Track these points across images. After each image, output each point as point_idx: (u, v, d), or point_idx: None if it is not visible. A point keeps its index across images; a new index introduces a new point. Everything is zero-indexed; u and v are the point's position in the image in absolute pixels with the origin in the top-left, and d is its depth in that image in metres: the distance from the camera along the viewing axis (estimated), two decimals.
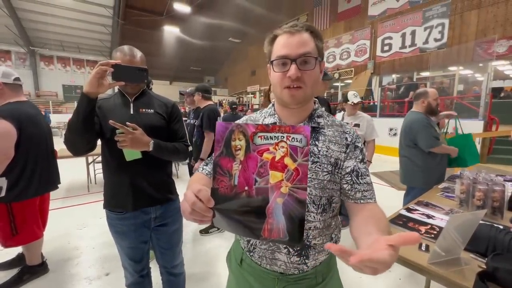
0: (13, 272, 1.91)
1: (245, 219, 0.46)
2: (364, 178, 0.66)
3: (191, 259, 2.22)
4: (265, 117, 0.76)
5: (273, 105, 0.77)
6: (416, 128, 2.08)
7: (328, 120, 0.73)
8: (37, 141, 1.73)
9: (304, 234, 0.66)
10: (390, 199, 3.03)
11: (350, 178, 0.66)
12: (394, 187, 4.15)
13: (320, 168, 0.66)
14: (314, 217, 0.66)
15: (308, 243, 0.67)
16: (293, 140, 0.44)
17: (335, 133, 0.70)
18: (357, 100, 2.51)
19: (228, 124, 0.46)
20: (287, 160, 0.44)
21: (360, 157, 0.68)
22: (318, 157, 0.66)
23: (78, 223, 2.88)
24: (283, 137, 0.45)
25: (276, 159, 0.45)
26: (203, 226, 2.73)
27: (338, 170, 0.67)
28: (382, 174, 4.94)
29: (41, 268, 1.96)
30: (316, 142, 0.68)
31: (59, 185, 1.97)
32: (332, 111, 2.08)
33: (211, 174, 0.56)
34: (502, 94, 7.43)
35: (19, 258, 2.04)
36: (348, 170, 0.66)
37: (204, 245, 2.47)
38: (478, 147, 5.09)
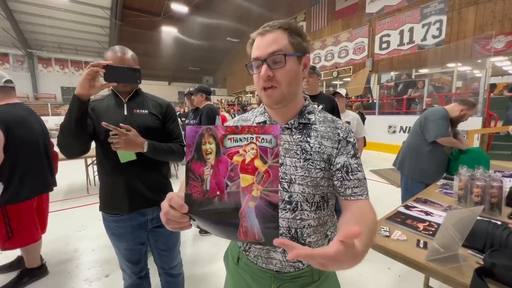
0: (12, 275, 1.91)
1: (221, 222, 0.45)
2: (355, 174, 0.65)
3: (191, 259, 2.22)
4: (256, 116, 0.77)
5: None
6: (433, 116, 2.04)
7: (319, 116, 0.72)
8: (27, 144, 1.70)
9: (299, 232, 0.65)
10: (389, 196, 3.03)
11: (340, 174, 0.65)
12: (393, 185, 4.15)
13: (312, 166, 0.65)
14: (308, 215, 0.65)
15: (302, 241, 0.66)
16: (263, 141, 0.43)
17: (327, 128, 0.69)
18: (344, 92, 2.69)
19: (197, 128, 0.45)
20: (257, 162, 0.43)
21: (352, 152, 0.67)
22: (311, 154, 0.65)
23: (77, 225, 2.88)
24: (253, 138, 0.43)
25: (246, 161, 0.43)
26: None
27: (331, 166, 0.66)
28: (381, 171, 4.94)
29: (41, 271, 1.96)
30: (308, 139, 0.66)
31: (54, 188, 1.94)
32: (336, 111, 2.05)
33: None
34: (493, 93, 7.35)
35: (18, 261, 2.04)
36: (338, 166, 0.65)
37: (204, 245, 2.47)
38: (477, 143, 5.09)
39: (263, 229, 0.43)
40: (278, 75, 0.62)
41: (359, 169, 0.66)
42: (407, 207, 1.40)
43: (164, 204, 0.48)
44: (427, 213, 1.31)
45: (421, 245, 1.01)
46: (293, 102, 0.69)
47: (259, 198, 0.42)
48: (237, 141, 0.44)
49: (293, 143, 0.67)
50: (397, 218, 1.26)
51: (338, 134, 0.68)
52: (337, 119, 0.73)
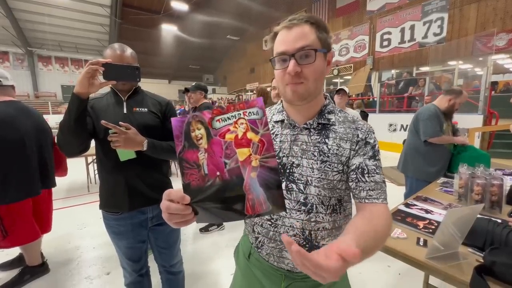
0: (14, 272, 1.92)
1: (226, 203, 0.46)
2: (372, 176, 0.61)
3: (191, 257, 2.23)
4: (274, 114, 0.75)
5: (282, 101, 0.75)
6: (422, 116, 2.06)
7: (339, 116, 0.69)
8: (10, 144, 1.62)
9: (313, 234, 0.64)
10: (389, 195, 3.03)
11: (355, 175, 0.62)
12: (394, 183, 4.14)
13: (329, 168, 0.63)
14: (323, 218, 0.64)
15: (316, 243, 0.65)
16: (250, 114, 0.45)
17: (346, 130, 0.66)
18: (347, 90, 2.69)
19: (183, 118, 0.46)
20: (250, 134, 0.44)
21: (370, 153, 0.64)
22: (328, 156, 0.63)
23: (79, 223, 2.89)
24: (240, 114, 0.45)
25: (239, 136, 0.45)
26: (203, 225, 2.73)
27: (348, 168, 0.64)
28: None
29: (42, 269, 1.97)
30: (326, 140, 0.64)
31: (41, 190, 1.81)
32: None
33: None
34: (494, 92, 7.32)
35: (20, 259, 2.05)
36: (353, 167, 0.63)
37: (204, 243, 2.48)
38: (478, 141, 5.07)
39: (268, 196, 0.44)
40: (306, 71, 0.60)
41: (377, 171, 0.63)
42: (407, 205, 1.40)
43: (163, 201, 0.47)
44: (427, 211, 1.31)
45: (421, 243, 1.01)
46: (315, 100, 0.67)
47: (259, 167, 0.44)
48: (226, 120, 0.45)
49: (311, 144, 0.65)
50: (397, 216, 1.26)
51: (357, 135, 0.65)
52: (358, 119, 0.70)
